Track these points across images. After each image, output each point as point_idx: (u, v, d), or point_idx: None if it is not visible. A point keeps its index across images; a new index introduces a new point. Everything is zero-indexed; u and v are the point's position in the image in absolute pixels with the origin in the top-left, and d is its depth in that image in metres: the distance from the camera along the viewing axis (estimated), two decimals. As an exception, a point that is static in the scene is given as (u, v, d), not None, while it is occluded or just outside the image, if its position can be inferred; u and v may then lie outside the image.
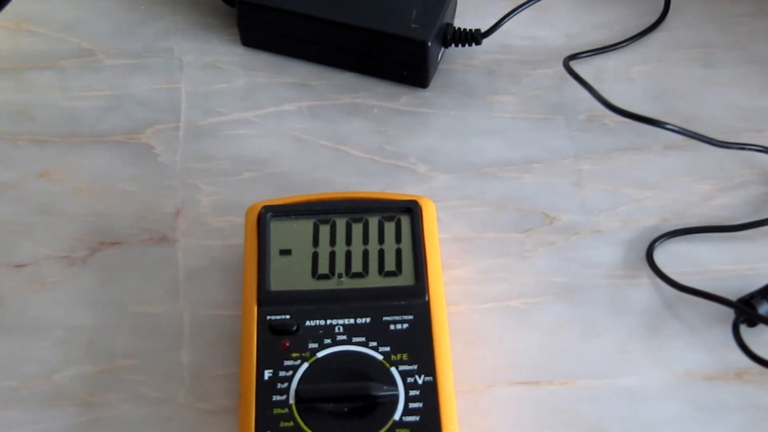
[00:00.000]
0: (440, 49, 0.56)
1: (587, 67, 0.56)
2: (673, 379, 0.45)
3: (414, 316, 0.43)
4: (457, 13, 0.58)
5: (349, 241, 0.45)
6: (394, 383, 0.41)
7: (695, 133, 0.52)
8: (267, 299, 0.43)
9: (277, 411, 0.40)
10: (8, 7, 0.57)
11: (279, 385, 0.41)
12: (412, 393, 0.40)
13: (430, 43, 0.54)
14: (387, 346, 0.42)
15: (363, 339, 0.42)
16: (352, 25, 0.55)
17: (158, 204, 0.51)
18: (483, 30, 0.56)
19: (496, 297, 0.48)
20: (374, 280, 0.44)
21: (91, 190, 0.51)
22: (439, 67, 0.57)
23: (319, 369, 0.41)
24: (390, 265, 0.44)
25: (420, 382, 0.41)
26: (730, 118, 0.54)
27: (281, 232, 0.46)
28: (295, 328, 0.42)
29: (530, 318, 0.47)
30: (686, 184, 0.52)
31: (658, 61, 0.57)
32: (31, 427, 0.43)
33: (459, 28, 0.56)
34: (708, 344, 0.46)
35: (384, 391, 0.40)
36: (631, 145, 0.53)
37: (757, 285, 0.47)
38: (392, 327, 0.42)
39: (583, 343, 0.46)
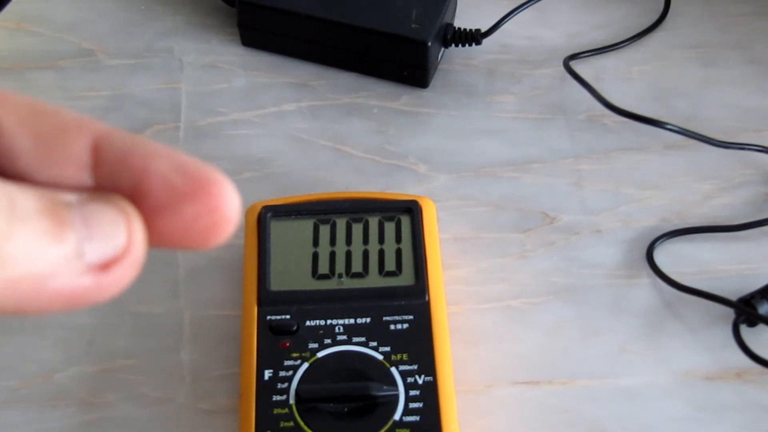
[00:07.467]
0: (440, 49, 0.56)
1: (587, 67, 0.56)
2: (673, 379, 0.45)
3: (414, 316, 0.43)
4: (457, 13, 0.58)
5: (349, 241, 0.45)
6: (394, 383, 0.41)
7: (695, 133, 0.52)
8: (267, 299, 0.43)
9: (277, 411, 0.40)
10: (8, 7, 0.57)
11: (279, 385, 0.41)
12: (412, 393, 0.40)
13: (430, 43, 0.54)
14: (387, 346, 0.42)
15: (363, 339, 0.42)
16: (352, 25, 0.54)
17: (158, 204, 0.51)
18: (483, 30, 0.56)
19: (496, 297, 0.48)
20: (374, 280, 0.44)
21: (91, 190, 0.51)
22: (439, 67, 0.56)
23: (319, 369, 0.41)
24: (390, 265, 0.44)
25: (420, 382, 0.41)
26: (730, 118, 0.54)
27: (281, 232, 0.46)
28: (295, 328, 0.42)
29: (530, 318, 0.47)
30: (686, 184, 0.52)
31: (659, 60, 0.57)
32: (31, 427, 0.43)
33: (459, 28, 0.56)
34: (708, 344, 0.46)
35: (384, 391, 0.40)
36: (631, 145, 0.53)
37: (757, 285, 0.47)
38: (392, 327, 0.42)
39: (583, 343, 0.46)
